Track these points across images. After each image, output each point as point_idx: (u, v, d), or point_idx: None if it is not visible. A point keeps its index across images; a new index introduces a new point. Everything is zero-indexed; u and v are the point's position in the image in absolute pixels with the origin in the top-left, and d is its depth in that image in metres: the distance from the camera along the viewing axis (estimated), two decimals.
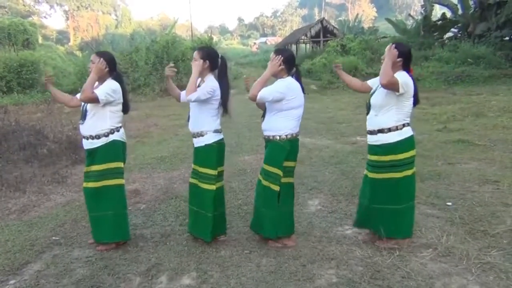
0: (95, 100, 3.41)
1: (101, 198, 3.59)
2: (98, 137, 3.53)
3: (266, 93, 3.31)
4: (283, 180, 3.50)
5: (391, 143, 3.30)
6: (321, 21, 33.49)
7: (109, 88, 3.50)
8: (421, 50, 20.65)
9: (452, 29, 23.85)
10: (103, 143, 3.54)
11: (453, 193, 4.71)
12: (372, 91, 3.53)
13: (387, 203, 3.41)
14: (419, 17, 24.88)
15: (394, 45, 3.31)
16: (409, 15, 32.80)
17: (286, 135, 3.42)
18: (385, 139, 3.32)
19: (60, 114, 12.42)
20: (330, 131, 8.82)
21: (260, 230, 3.64)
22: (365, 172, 3.59)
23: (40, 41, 33.56)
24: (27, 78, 18.44)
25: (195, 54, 3.59)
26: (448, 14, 24.13)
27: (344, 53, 22.16)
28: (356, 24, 37.24)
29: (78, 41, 49.42)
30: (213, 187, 3.58)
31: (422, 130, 8.30)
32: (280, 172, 3.44)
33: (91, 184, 3.59)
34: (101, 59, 3.54)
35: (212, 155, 3.58)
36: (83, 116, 3.57)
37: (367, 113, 3.48)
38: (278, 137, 3.43)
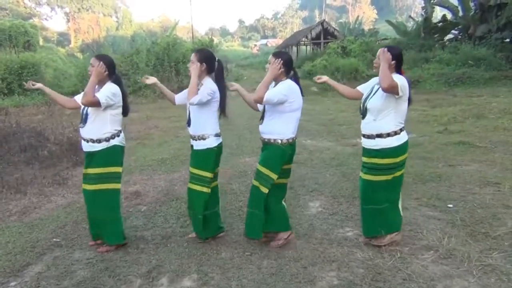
0: (96, 104, 3.42)
1: (96, 201, 3.60)
2: (99, 141, 3.53)
3: (271, 95, 3.32)
4: (279, 181, 3.52)
5: (390, 148, 3.31)
6: (322, 23, 33.53)
7: (109, 92, 3.50)
8: (421, 52, 20.66)
9: (453, 31, 23.86)
10: (103, 147, 3.54)
11: (454, 195, 4.71)
12: (365, 96, 3.51)
13: (376, 203, 3.44)
14: (420, 19, 24.91)
15: (386, 48, 3.33)
16: (410, 17, 32.86)
17: (288, 140, 3.44)
18: (384, 144, 3.32)
19: (61, 116, 12.42)
20: (331, 133, 8.82)
21: (249, 233, 3.64)
22: (360, 174, 3.58)
23: (41, 43, 33.60)
24: (28, 80, 18.39)
25: (192, 56, 3.60)
26: (449, 16, 24.15)
27: (344, 55, 22.18)
28: (356, 26, 37.33)
29: (79, 43, 49.51)
30: (207, 189, 3.62)
31: (423, 132, 8.30)
32: (275, 176, 3.45)
33: (87, 187, 3.61)
34: (101, 62, 3.55)
35: (212, 158, 3.62)
36: (84, 120, 3.56)
37: (363, 118, 3.47)
38: (279, 141, 3.43)
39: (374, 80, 3.57)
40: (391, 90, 3.15)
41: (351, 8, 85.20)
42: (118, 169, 3.67)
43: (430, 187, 5.04)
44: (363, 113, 3.45)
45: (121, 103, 3.64)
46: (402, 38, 23.92)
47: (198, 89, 3.49)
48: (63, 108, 5.59)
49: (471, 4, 21.61)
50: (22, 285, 3.18)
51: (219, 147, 3.66)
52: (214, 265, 3.35)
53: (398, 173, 3.40)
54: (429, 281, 2.96)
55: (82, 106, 3.60)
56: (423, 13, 24.37)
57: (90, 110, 3.52)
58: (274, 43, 61.36)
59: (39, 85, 3.80)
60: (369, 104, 3.38)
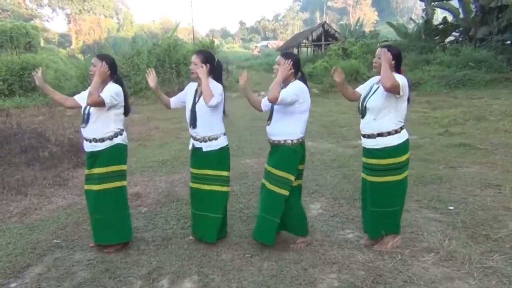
0: (101, 103, 3.43)
1: (103, 200, 3.60)
2: (102, 140, 3.54)
3: (285, 95, 3.31)
4: (295, 183, 3.53)
5: (391, 146, 3.31)
6: (323, 24, 33.56)
7: (113, 91, 3.52)
8: (422, 54, 20.65)
9: (454, 33, 23.84)
10: (106, 146, 3.55)
11: (455, 197, 4.70)
12: (363, 95, 3.51)
13: (387, 206, 3.41)
14: (421, 21, 24.87)
15: (386, 49, 3.34)
16: (411, 18, 32.81)
17: (298, 139, 3.45)
18: (385, 143, 3.31)
19: (61, 117, 12.43)
20: (332, 135, 8.81)
21: (259, 237, 3.63)
22: (363, 175, 3.58)
23: (42, 44, 33.68)
24: (29, 81, 18.43)
25: (195, 58, 3.60)
26: (450, 18, 24.14)
27: (345, 56, 22.19)
28: (357, 27, 37.32)
29: (80, 45, 49.58)
30: (227, 189, 3.70)
31: (424, 134, 8.30)
32: (292, 178, 3.45)
33: (93, 187, 3.60)
34: (103, 62, 3.56)
35: (226, 157, 3.69)
36: (86, 120, 3.56)
37: (362, 117, 3.46)
38: (290, 142, 3.43)
39: (373, 80, 3.58)
40: (393, 90, 3.15)
41: (352, 10, 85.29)
42: (123, 167, 3.69)
43: (431, 189, 5.03)
44: (363, 112, 3.45)
45: (123, 103, 3.66)
46: (403, 40, 23.91)
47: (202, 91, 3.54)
48: (64, 109, 5.59)
49: (472, 6, 21.61)
50: (22, 286, 3.18)
51: (228, 146, 3.73)
52: (214, 267, 3.35)
53: (406, 173, 3.41)
54: (430, 283, 2.96)
55: (84, 106, 3.61)
56: (423, 15, 24.34)
57: (92, 110, 3.52)
58: (274, 44, 61.40)
59: (40, 77, 3.75)
60: (369, 104, 3.37)
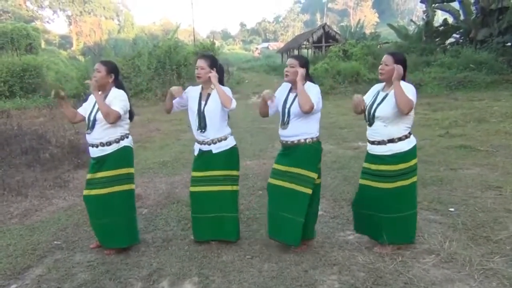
0: (119, 117, 3.46)
1: (111, 204, 3.57)
2: (109, 143, 3.52)
3: (315, 100, 3.37)
4: (317, 181, 3.57)
5: (402, 152, 3.32)
6: (323, 26, 33.57)
7: (121, 100, 3.52)
8: (423, 56, 20.66)
9: (454, 35, 23.86)
10: (114, 150, 3.54)
11: (456, 198, 4.70)
12: (369, 103, 3.46)
13: (404, 210, 3.40)
14: (421, 23, 24.89)
15: (393, 58, 3.33)
16: (411, 20, 32.86)
17: (317, 137, 3.52)
18: (397, 149, 3.31)
19: (62, 119, 12.40)
20: (332, 136, 8.82)
21: (282, 237, 3.58)
22: (366, 182, 3.51)
23: (43, 45, 33.75)
24: (29, 83, 18.52)
25: (201, 62, 3.59)
26: (450, 20, 24.16)
27: (346, 58, 22.17)
28: (358, 29, 37.30)
29: (81, 46, 49.62)
30: (237, 187, 3.75)
31: (424, 136, 8.29)
32: (315, 175, 3.48)
33: (95, 191, 3.56)
34: (110, 74, 3.59)
35: (236, 156, 3.74)
36: (92, 126, 3.53)
37: (370, 124, 3.43)
38: (309, 140, 3.47)
39: (376, 87, 3.56)
40: (410, 111, 3.21)
41: (353, 12, 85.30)
42: (131, 170, 3.69)
43: (432, 190, 5.03)
44: (370, 120, 3.41)
45: (129, 107, 3.65)
46: (404, 41, 23.93)
47: (209, 94, 3.60)
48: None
49: (473, 8, 21.63)
50: None
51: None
52: (215, 268, 3.35)
53: (415, 178, 3.41)
54: (430, 285, 2.95)
55: (90, 111, 3.58)
56: (424, 17, 24.37)
57: (99, 115, 3.49)
58: (275, 46, 61.41)
59: (63, 96, 3.68)
60: (378, 112, 3.34)
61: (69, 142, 8.34)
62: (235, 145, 3.72)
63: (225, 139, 3.64)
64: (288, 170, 3.50)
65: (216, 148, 3.61)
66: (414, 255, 3.41)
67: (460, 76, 16.93)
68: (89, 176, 3.62)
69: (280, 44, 60.39)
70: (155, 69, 18.87)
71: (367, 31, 42.22)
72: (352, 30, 37.07)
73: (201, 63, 3.58)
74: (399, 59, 3.33)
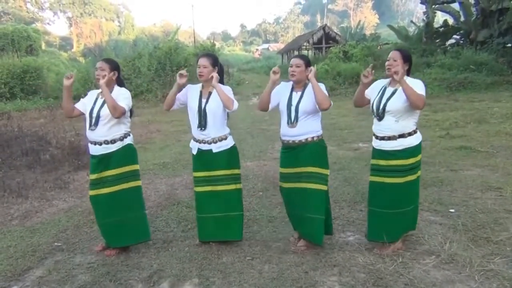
0: (124, 113, 3.49)
1: (121, 201, 3.59)
2: (113, 141, 3.52)
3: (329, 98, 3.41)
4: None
5: (413, 146, 3.40)
6: (323, 27, 33.65)
7: (125, 97, 3.54)
8: (423, 57, 20.64)
9: (454, 36, 23.84)
10: (118, 147, 3.55)
11: (456, 199, 4.70)
12: (376, 98, 3.44)
13: (408, 205, 3.45)
14: (421, 24, 24.88)
15: (401, 54, 3.36)
16: (411, 21, 32.84)
17: (321, 135, 3.55)
18: (408, 143, 3.37)
19: (62, 120, 12.42)
20: (333, 138, 8.80)
21: (313, 238, 3.60)
22: (376, 179, 3.50)
23: (43, 47, 33.80)
24: (30, 84, 18.53)
25: (204, 61, 3.57)
26: (450, 21, 24.15)
27: (346, 59, 22.19)
28: (358, 30, 37.36)
29: (81, 48, 49.75)
30: (240, 186, 3.77)
31: (425, 137, 8.18)
32: (327, 171, 3.52)
33: (105, 190, 3.56)
34: (115, 72, 3.60)
35: (236, 155, 3.75)
36: (95, 123, 3.51)
37: (380, 119, 3.40)
38: (316, 138, 3.49)
39: (381, 82, 3.54)
40: (424, 105, 3.30)
41: (353, 13, 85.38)
42: (136, 167, 3.73)
43: (432, 191, 5.03)
44: (380, 115, 3.39)
45: (131, 105, 3.67)
46: (404, 43, 23.91)
47: (210, 92, 3.60)
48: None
49: (473, 9, 21.62)
50: None
51: None
52: (215, 270, 3.35)
53: (420, 172, 3.51)
54: (430, 286, 2.95)
55: (91, 108, 3.57)
56: (424, 18, 24.34)
57: (103, 112, 3.48)
58: (275, 47, 61.52)
59: (71, 82, 3.56)
60: (389, 107, 3.33)
61: (69, 143, 8.33)
62: (234, 144, 3.73)
63: (225, 138, 3.64)
64: (299, 171, 3.50)
65: (216, 148, 3.61)
66: (415, 256, 3.40)
67: (461, 77, 16.92)
68: (94, 176, 3.58)
69: (280, 45, 60.47)
70: (155, 71, 18.88)
71: (367, 32, 42.26)
72: (352, 31, 37.13)
73: (203, 61, 3.58)
74: (406, 55, 3.38)
